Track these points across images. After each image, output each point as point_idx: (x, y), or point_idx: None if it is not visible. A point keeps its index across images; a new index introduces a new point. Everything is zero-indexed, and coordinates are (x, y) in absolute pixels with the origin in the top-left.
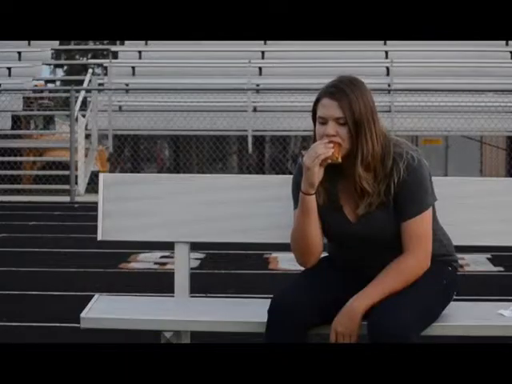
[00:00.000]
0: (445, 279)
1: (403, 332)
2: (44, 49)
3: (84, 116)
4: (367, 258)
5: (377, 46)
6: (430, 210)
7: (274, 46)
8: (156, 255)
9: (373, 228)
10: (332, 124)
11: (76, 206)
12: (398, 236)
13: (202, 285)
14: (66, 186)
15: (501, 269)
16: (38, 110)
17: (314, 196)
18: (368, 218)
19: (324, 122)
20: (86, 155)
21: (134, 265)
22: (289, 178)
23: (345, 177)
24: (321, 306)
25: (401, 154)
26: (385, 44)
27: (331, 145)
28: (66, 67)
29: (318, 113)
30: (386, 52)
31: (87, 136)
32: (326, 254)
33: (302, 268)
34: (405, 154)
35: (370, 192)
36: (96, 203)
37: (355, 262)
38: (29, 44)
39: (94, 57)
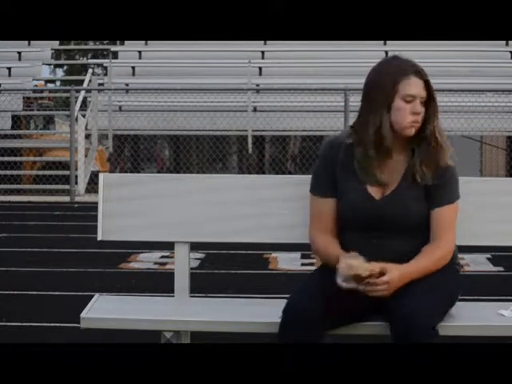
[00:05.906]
0: (454, 283)
1: (430, 335)
2: (44, 49)
3: (84, 116)
4: (382, 245)
5: (377, 46)
6: (458, 203)
7: (274, 46)
8: (156, 255)
9: (397, 207)
10: (418, 102)
11: (76, 205)
12: (420, 223)
13: (201, 285)
14: (66, 186)
15: (501, 269)
16: (38, 110)
17: None
18: (395, 197)
19: (411, 100)
20: (85, 155)
21: (133, 265)
22: (289, 177)
23: (390, 156)
24: (334, 309)
25: (447, 144)
26: (385, 44)
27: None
28: (65, 67)
29: (406, 90)
30: (386, 52)
31: (87, 136)
32: None
33: (302, 268)
34: (449, 145)
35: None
36: (96, 203)
37: (369, 250)
38: (29, 44)
39: (94, 57)
